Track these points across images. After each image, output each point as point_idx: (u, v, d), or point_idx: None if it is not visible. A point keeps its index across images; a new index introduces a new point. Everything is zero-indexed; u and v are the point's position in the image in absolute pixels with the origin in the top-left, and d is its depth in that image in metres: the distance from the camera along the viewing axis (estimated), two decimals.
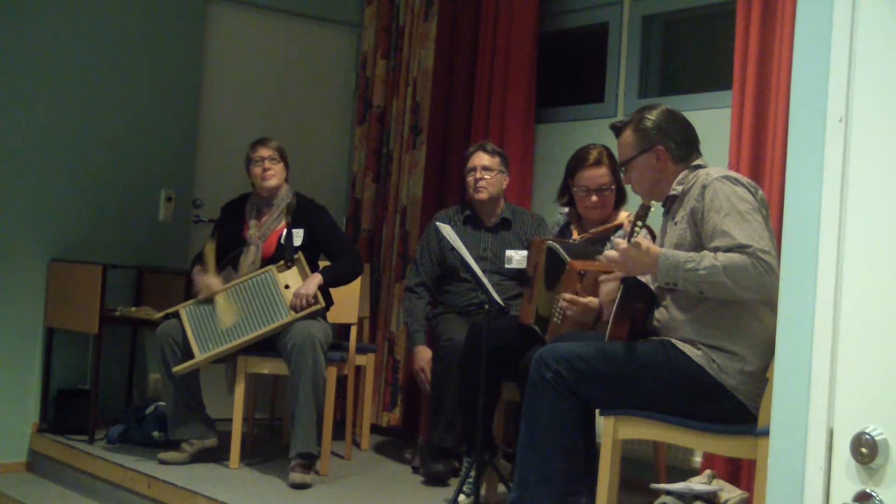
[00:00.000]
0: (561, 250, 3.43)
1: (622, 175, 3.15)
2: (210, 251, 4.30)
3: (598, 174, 3.68)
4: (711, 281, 2.73)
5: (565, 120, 4.87)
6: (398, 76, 5.32)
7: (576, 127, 4.74)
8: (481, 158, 4.27)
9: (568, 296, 3.29)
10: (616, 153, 3.20)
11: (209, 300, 4.17)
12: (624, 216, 3.74)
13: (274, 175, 4.32)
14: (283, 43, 5.57)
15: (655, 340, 2.92)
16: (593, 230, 3.70)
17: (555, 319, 3.35)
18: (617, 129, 3.13)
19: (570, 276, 3.32)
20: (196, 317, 4.16)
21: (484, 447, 3.52)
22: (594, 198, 3.69)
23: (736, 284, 2.71)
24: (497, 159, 4.30)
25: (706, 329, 2.84)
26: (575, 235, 3.77)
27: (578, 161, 3.72)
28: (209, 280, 4.20)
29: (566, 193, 3.82)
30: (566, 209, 3.89)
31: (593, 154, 3.70)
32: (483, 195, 4.27)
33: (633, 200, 3.78)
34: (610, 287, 3.09)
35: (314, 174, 5.49)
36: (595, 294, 3.27)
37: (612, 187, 3.71)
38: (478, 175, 4.26)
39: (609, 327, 2.95)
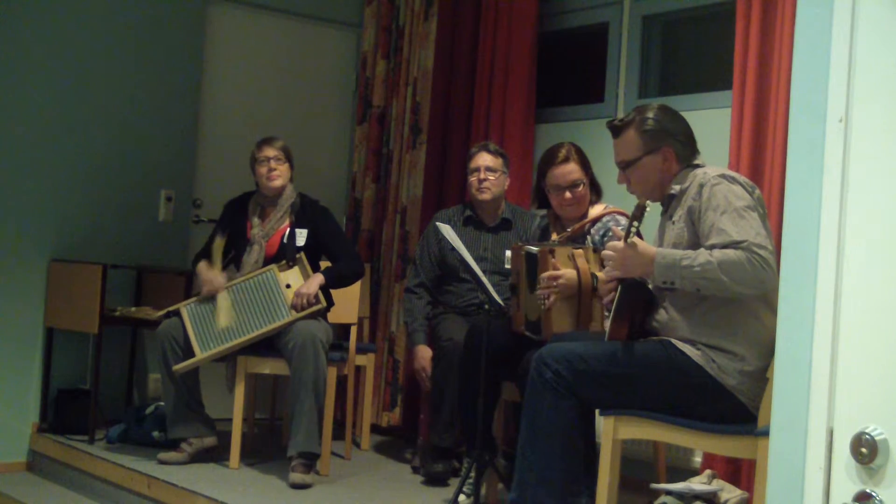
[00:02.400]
0: (534, 248, 3.49)
1: (619, 174, 3.12)
2: (219, 247, 4.28)
3: (568, 170, 3.70)
4: (707, 277, 2.73)
5: (565, 120, 4.87)
6: (398, 76, 5.32)
7: (576, 127, 4.74)
8: (485, 159, 4.27)
9: (546, 273, 3.35)
10: (616, 152, 3.17)
11: (211, 297, 4.17)
12: (599, 209, 3.76)
13: (279, 176, 4.32)
14: (283, 43, 5.57)
15: (655, 340, 2.92)
16: (571, 228, 3.72)
17: (541, 306, 3.37)
18: (616, 129, 3.08)
19: (543, 260, 3.40)
20: (197, 315, 4.16)
21: (484, 447, 3.52)
22: (567, 195, 3.71)
23: (732, 280, 2.71)
24: (500, 160, 4.30)
25: (706, 329, 2.84)
26: (554, 237, 3.79)
27: (547, 161, 3.74)
28: (213, 276, 4.20)
29: (539, 196, 3.84)
30: (543, 211, 3.90)
31: (562, 152, 3.72)
32: (487, 196, 4.27)
33: (610, 194, 3.82)
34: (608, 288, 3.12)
35: (314, 174, 5.49)
36: (572, 268, 3.37)
37: (585, 182, 3.73)
38: (482, 176, 4.26)
39: (608, 327, 2.95)
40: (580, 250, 3.45)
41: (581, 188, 3.71)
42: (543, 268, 3.40)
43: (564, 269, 3.38)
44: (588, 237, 3.70)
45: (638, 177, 3.05)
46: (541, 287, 3.37)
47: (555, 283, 3.35)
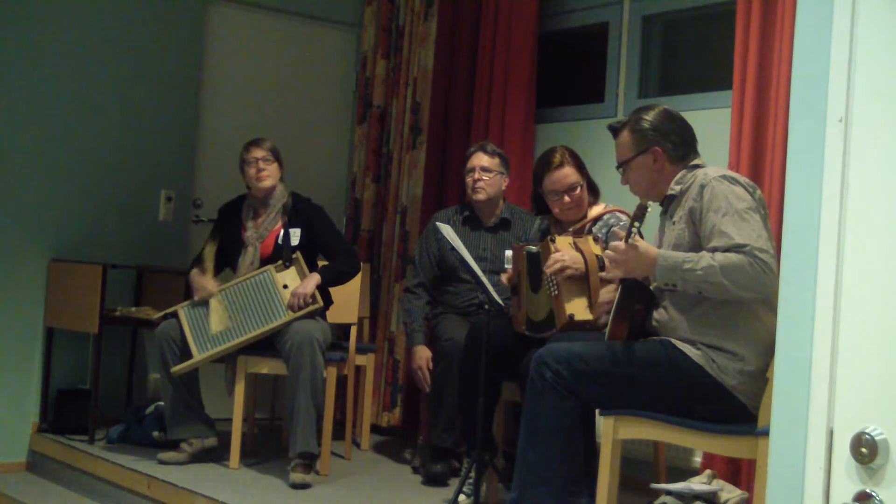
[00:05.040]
0: (534, 248, 3.50)
1: (620, 176, 3.15)
2: (210, 253, 4.31)
3: (564, 174, 3.71)
4: (709, 281, 2.73)
5: (565, 120, 4.86)
6: (398, 76, 5.32)
7: (576, 127, 4.74)
8: (480, 159, 4.28)
9: (550, 259, 3.34)
10: (615, 154, 3.19)
11: (204, 302, 4.18)
12: (599, 210, 3.76)
13: (268, 176, 4.32)
14: (283, 43, 5.57)
15: (655, 340, 2.92)
16: (571, 229, 3.72)
17: (552, 294, 3.36)
18: (614, 130, 3.14)
19: (545, 251, 3.40)
20: (194, 317, 4.16)
21: (484, 447, 3.52)
22: (566, 199, 3.72)
23: (734, 284, 2.71)
24: (496, 160, 4.30)
25: (706, 329, 2.84)
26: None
27: (543, 166, 3.75)
28: (206, 282, 4.22)
29: (538, 202, 3.85)
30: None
31: (556, 157, 3.73)
32: (481, 196, 4.27)
33: (609, 194, 3.82)
34: (608, 290, 3.12)
35: (314, 174, 5.49)
36: (576, 252, 3.37)
37: (582, 184, 3.73)
38: (476, 176, 4.26)
39: (608, 327, 2.95)
40: (581, 238, 3.46)
41: (578, 191, 3.72)
42: (547, 256, 3.39)
43: (569, 252, 3.37)
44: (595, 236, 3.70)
45: (633, 177, 3.09)
46: (547, 273, 3.36)
47: (560, 267, 3.33)
